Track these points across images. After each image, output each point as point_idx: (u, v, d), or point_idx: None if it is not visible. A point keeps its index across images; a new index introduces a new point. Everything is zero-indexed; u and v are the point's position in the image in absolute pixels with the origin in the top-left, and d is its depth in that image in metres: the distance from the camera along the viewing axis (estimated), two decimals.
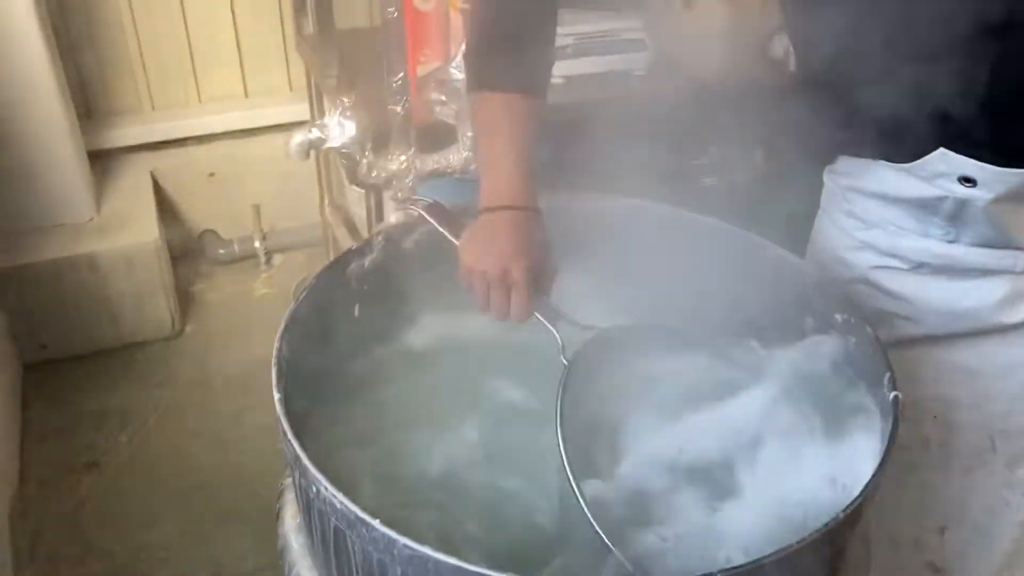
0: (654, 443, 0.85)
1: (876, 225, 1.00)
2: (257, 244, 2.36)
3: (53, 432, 1.86)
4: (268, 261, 2.39)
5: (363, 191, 1.86)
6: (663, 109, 1.95)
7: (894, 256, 1.00)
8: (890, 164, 0.93)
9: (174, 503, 1.72)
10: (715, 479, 0.83)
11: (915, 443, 1.07)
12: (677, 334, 0.96)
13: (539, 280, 0.90)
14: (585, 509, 0.73)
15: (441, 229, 0.99)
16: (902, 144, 0.90)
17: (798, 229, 1.33)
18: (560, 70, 1.86)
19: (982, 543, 1.10)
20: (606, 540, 0.71)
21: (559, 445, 0.78)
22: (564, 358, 0.88)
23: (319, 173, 2.30)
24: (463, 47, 1.29)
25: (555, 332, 0.89)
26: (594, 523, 0.72)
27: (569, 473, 0.75)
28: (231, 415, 1.91)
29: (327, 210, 2.27)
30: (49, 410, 1.91)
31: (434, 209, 1.02)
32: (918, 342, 1.02)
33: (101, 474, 1.78)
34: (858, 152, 0.98)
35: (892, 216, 0.98)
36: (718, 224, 1.08)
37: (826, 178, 1.08)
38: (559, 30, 1.88)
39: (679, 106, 1.95)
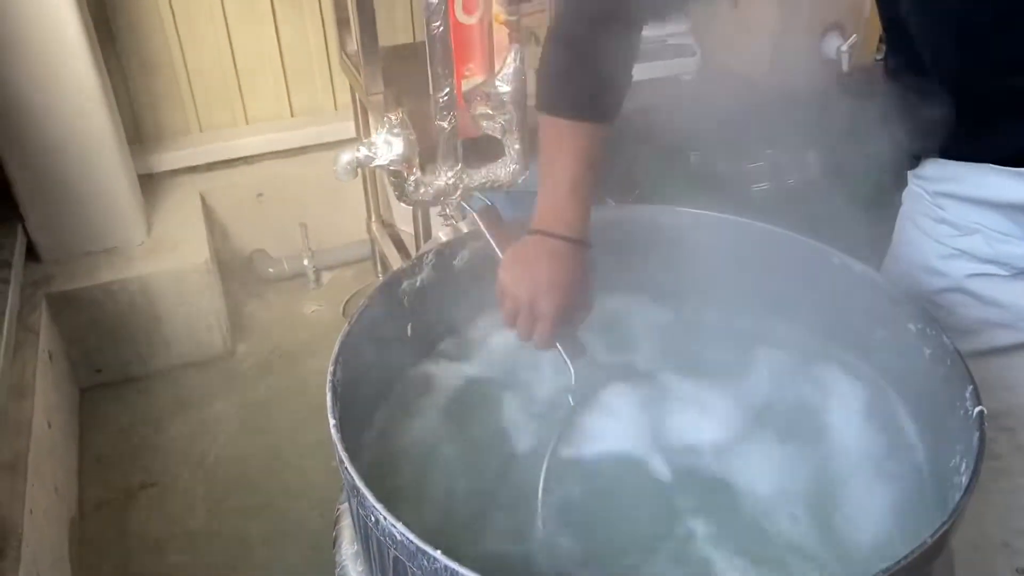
0: None
1: (974, 231, 0.94)
2: (306, 262, 2.37)
3: (110, 454, 1.88)
4: (317, 279, 2.40)
5: (411, 207, 1.86)
6: (714, 113, 1.92)
7: (994, 263, 0.94)
8: (996, 167, 0.88)
9: (231, 523, 1.72)
10: None
11: (1008, 450, 1.02)
12: None
13: (569, 315, 0.92)
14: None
15: (489, 238, 0.99)
16: (1011, 146, 0.85)
17: (860, 235, 1.28)
18: None
19: None
20: None
21: (540, 485, 0.83)
22: (572, 399, 0.91)
23: (366, 190, 2.30)
24: (510, 59, 1.27)
25: (571, 369, 0.92)
26: None
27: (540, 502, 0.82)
28: (285, 433, 1.91)
29: (374, 227, 2.26)
30: (106, 433, 1.93)
31: (488, 214, 1.01)
32: (1014, 349, 0.97)
33: (158, 495, 1.79)
34: (956, 155, 0.93)
35: (993, 222, 0.92)
36: (780, 232, 1.05)
37: (912, 184, 1.03)
38: None
39: (731, 110, 1.92)
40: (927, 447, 0.87)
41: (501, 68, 1.29)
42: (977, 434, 0.74)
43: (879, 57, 1.87)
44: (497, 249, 0.97)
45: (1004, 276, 0.94)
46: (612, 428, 0.92)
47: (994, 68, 0.83)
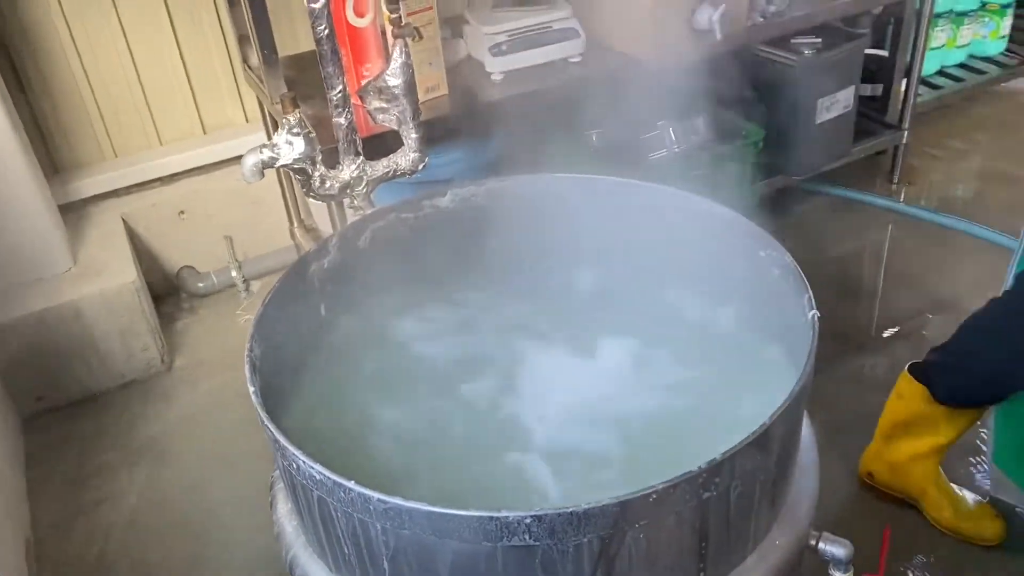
0: None
1: None
2: (234, 274, 2.42)
3: (58, 477, 1.92)
4: (247, 289, 2.46)
5: (326, 205, 1.93)
6: (606, 92, 2.03)
7: None
8: None
9: (182, 529, 1.78)
10: None
11: None
12: None
13: None
14: None
15: None
16: None
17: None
18: (498, 66, 1.94)
19: None
20: None
21: None
22: None
23: (285, 197, 2.37)
24: (396, 54, 1.36)
25: None
26: None
27: None
28: (228, 438, 1.97)
29: (297, 232, 2.34)
30: (52, 457, 1.97)
31: None
32: None
33: (110, 511, 1.84)
34: None
35: None
36: (651, 185, 1.16)
37: None
38: (490, 29, 1.96)
39: (620, 87, 2.03)
40: (783, 348, 0.99)
41: (390, 64, 1.38)
42: (812, 333, 0.86)
43: (750, 23, 2.01)
44: None
45: None
46: None
47: None
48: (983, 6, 2.81)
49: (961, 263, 2.35)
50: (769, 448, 0.79)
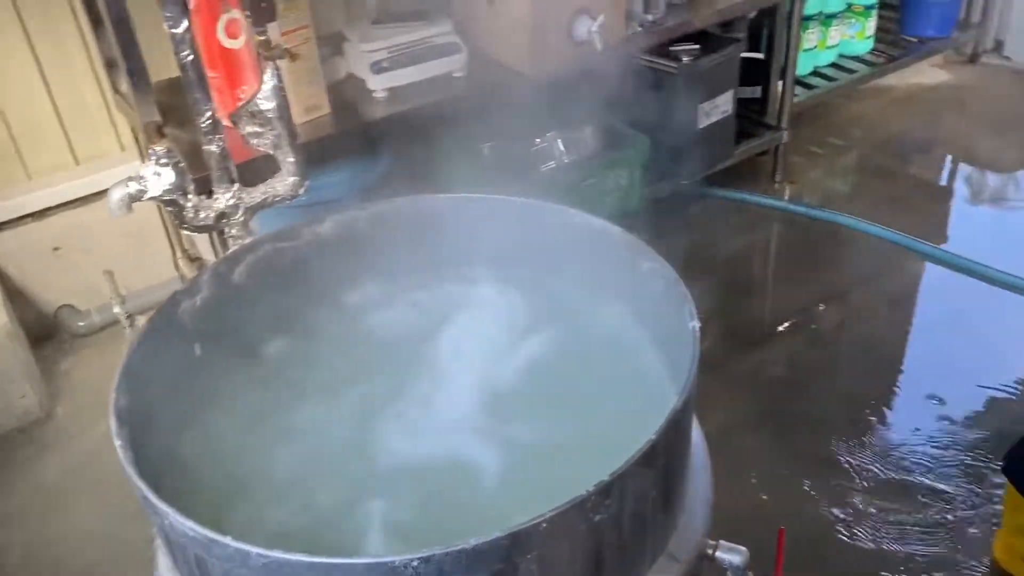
0: None
1: None
2: (117, 310, 2.30)
3: None
4: (132, 325, 2.34)
5: (207, 235, 1.86)
6: (493, 105, 2.03)
7: None
8: None
9: None
10: None
11: None
12: None
13: None
14: None
15: None
16: None
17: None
18: (380, 83, 1.91)
19: None
20: None
21: None
22: None
23: (166, 228, 2.27)
24: (268, 76, 1.32)
25: None
26: None
27: None
28: (115, 488, 1.86)
29: (181, 262, 2.25)
30: None
31: None
32: None
33: None
34: None
35: None
36: (534, 202, 1.15)
37: None
38: (369, 46, 1.93)
39: (507, 100, 2.03)
40: (668, 359, 1.00)
41: (261, 87, 1.33)
42: (692, 343, 0.86)
43: (629, 33, 2.03)
44: None
45: None
46: None
47: None
48: (848, 8, 2.94)
49: (846, 256, 2.44)
50: (657, 464, 0.78)
